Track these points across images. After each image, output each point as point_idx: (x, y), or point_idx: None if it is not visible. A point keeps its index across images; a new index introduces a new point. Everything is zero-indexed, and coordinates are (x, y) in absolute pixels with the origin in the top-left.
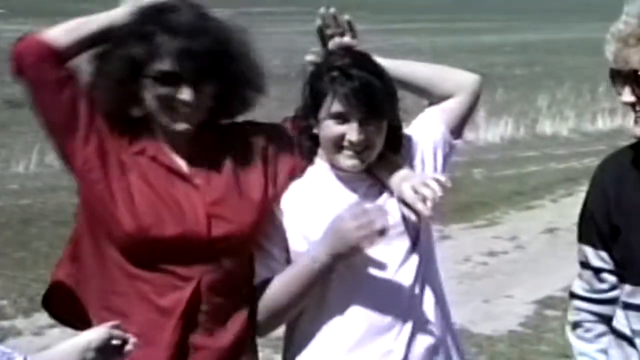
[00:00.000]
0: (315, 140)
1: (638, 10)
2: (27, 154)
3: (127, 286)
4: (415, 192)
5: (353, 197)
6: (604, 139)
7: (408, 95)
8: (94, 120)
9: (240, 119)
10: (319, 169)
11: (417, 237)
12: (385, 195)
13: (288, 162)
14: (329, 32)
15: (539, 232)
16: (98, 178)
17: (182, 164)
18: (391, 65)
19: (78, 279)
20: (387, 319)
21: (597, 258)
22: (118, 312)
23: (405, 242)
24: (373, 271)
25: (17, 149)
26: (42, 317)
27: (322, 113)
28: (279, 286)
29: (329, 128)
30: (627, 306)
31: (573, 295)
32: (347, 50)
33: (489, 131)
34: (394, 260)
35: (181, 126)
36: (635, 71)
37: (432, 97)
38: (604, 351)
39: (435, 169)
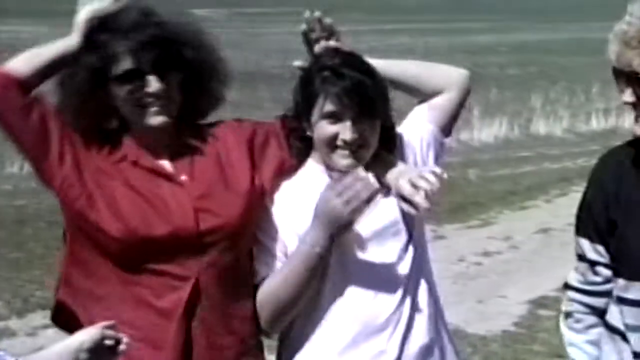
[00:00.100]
0: (307, 143)
1: None
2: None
3: (125, 293)
4: (413, 185)
5: None
6: (597, 139)
7: (402, 97)
8: (66, 139)
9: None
10: (314, 171)
11: (411, 236)
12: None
13: (276, 156)
14: (314, 35)
15: (532, 232)
16: (78, 193)
17: (165, 163)
18: (379, 64)
19: (76, 297)
20: (381, 320)
21: (593, 251)
22: (120, 320)
23: (399, 243)
24: (367, 272)
25: (11, 150)
26: (36, 318)
27: (315, 114)
28: (281, 280)
29: (323, 128)
30: (621, 300)
31: (567, 286)
32: (336, 50)
33: (483, 131)
34: (388, 260)
35: (157, 119)
36: (637, 73)
37: (421, 94)
38: (593, 342)
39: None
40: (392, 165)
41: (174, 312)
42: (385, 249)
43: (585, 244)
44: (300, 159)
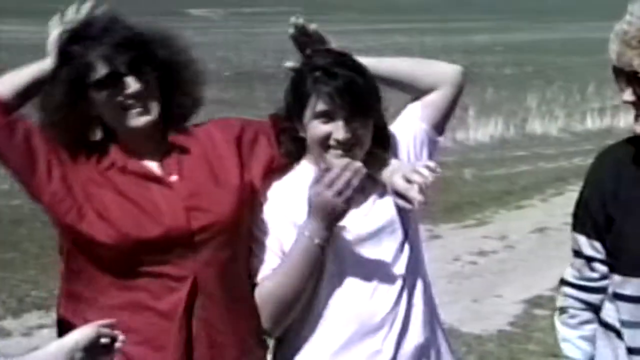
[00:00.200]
0: (300, 144)
1: None
2: None
3: (124, 299)
4: (407, 180)
5: None
6: (593, 139)
7: (401, 97)
8: (52, 154)
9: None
10: (308, 172)
11: (407, 235)
12: (375, 195)
13: (265, 153)
14: (302, 39)
15: (528, 232)
16: (68, 207)
17: (153, 166)
18: (372, 63)
19: (76, 311)
20: (377, 319)
21: (590, 247)
22: (122, 326)
23: (395, 242)
24: (363, 271)
25: None
26: (32, 318)
27: (307, 114)
28: (282, 276)
29: (315, 128)
30: (617, 296)
31: (563, 282)
32: (327, 50)
33: (478, 131)
34: (384, 260)
35: (141, 120)
36: (637, 72)
37: (415, 91)
38: (587, 338)
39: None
40: (386, 163)
41: (174, 312)
42: (381, 249)
43: (582, 240)
44: (291, 159)
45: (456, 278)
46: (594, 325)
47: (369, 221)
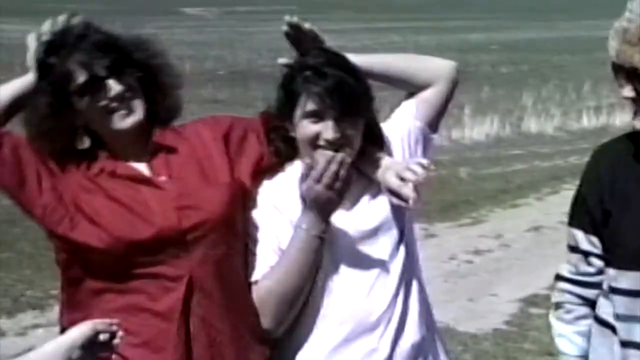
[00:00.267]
0: (291, 143)
1: None
2: None
3: (121, 302)
4: (400, 178)
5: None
6: (589, 137)
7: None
8: (41, 166)
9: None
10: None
11: (402, 234)
12: (369, 194)
13: (255, 151)
14: (296, 38)
15: (524, 231)
16: (60, 217)
17: (142, 168)
18: (366, 60)
19: (76, 319)
20: (373, 318)
21: (587, 242)
22: (121, 330)
23: (390, 241)
24: (359, 270)
25: None
26: (26, 318)
27: (297, 114)
28: (281, 272)
29: (305, 128)
30: (612, 290)
31: (559, 277)
32: (320, 50)
33: (474, 129)
34: (380, 257)
35: (128, 121)
36: (637, 69)
37: (409, 88)
38: (582, 334)
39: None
40: (380, 161)
41: (172, 313)
42: (377, 248)
43: (579, 234)
44: (281, 158)
45: (452, 277)
46: (589, 321)
47: (365, 220)
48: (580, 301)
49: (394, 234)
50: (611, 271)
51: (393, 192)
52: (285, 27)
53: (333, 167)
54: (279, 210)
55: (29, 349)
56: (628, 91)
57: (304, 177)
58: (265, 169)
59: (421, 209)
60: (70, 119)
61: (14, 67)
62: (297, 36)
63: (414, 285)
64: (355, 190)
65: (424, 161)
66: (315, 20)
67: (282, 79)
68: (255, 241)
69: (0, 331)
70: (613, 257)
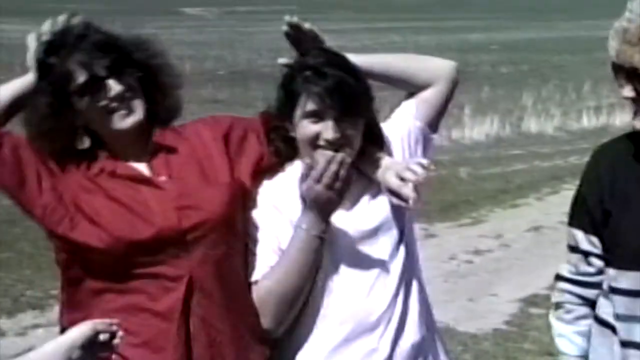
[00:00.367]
0: (291, 143)
1: None
2: None
3: (121, 302)
4: (400, 178)
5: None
6: (589, 137)
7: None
8: (41, 166)
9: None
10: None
11: (402, 234)
12: (370, 194)
13: (255, 151)
14: (296, 37)
15: (524, 231)
16: (60, 217)
17: (142, 168)
18: (366, 60)
19: (75, 320)
20: (373, 318)
21: (587, 242)
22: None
23: (390, 240)
24: (359, 270)
25: None
26: (26, 318)
27: (297, 114)
28: (281, 272)
29: (305, 128)
30: (612, 290)
31: (559, 277)
32: (321, 50)
33: (474, 129)
34: (380, 257)
35: (128, 121)
36: (637, 69)
37: (409, 88)
38: (582, 334)
39: None
40: (380, 162)
41: (172, 313)
42: (377, 248)
43: (579, 234)
44: (281, 158)
45: (452, 277)
46: (590, 321)
47: (365, 220)
48: (580, 301)
49: (394, 234)
50: (611, 271)
51: (393, 192)
52: (285, 27)
53: (333, 167)
54: (279, 210)
55: (29, 349)
56: (628, 91)
57: (304, 177)
58: (265, 169)
59: (421, 209)
60: (70, 119)
61: (14, 67)
62: (297, 36)
63: (414, 285)
64: (355, 191)
65: (424, 161)
66: (315, 20)
67: (282, 79)
68: (255, 241)
69: (0, 331)
70: (613, 257)
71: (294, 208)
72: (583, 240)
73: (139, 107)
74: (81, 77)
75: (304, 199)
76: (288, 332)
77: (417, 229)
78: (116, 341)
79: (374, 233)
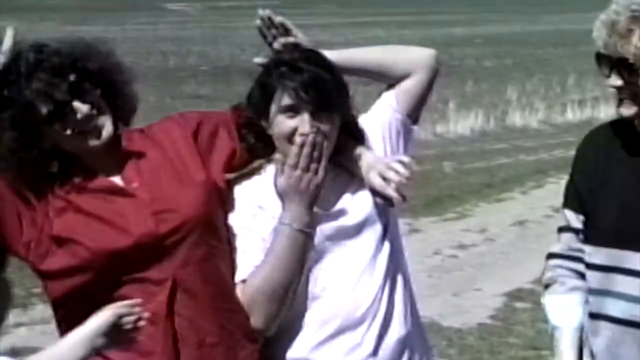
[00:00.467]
0: (266, 141)
1: (628, 0)
2: None
3: None
4: (383, 178)
5: None
6: (573, 131)
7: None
8: (18, 201)
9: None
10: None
11: (386, 228)
12: (353, 189)
13: (226, 146)
14: (271, 32)
15: (508, 225)
16: (46, 248)
17: (114, 179)
18: (343, 55)
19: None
20: (359, 313)
21: (577, 220)
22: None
23: (374, 235)
24: (344, 265)
25: None
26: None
27: (273, 109)
28: (268, 270)
29: (281, 123)
30: (587, 266)
31: (550, 256)
32: (295, 46)
33: (458, 123)
34: (365, 253)
35: (103, 138)
36: (626, 59)
37: (390, 80)
38: (579, 304)
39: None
40: (361, 156)
41: (158, 316)
42: (361, 243)
43: (570, 215)
44: (254, 155)
45: (436, 272)
46: (584, 294)
47: (348, 216)
48: (572, 274)
49: (377, 229)
50: (588, 247)
51: (376, 192)
52: (257, 22)
53: (307, 149)
54: (263, 208)
55: (11, 348)
56: (614, 80)
57: (280, 172)
58: (238, 165)
59: (405, 204)
60: (40, 147)
61: None
62: (268, 31)
63: (399, 280)
64: (338, 187)
65: (406, 159)
66: (299, 15)
67: (258, 76)
68: (240, 241)
69: None
70: (590, 234)
71: (278, 206)
72: (574, 219)
73: (108, 121)
74: (44, 107)
75: (281, 196)
76: (277, 327)
77: (401, 224)
78: (141, 323)
79: (358, 228)
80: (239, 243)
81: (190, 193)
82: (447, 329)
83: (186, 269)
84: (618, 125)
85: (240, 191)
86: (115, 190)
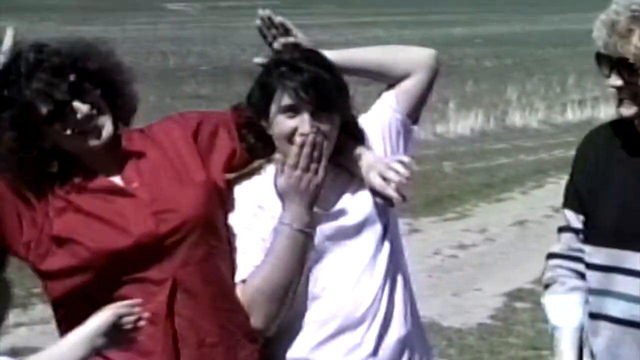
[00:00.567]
0: (266, 141)
1: (628, 0)
2: None
3: None
4: (383, 178)
5: None
6: (573, 131)
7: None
8: (18, 201)
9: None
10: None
11: (386, 228)
12: (353, 189)
13: (226, 146)
14: (271, 32)
15: (508, 225)
16: (46, 248)
17: (115, 179)
18: (343, 55)
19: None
20: (359, 313)
21: (577, 220)
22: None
23: (374, 235)
24: (344, 265)
25: None
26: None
27: (273, 109)
28: (268, 270)
29: (281, 123)
30: (587, 266)
31: (550, 256)
32: (295, 46)
33: (458, 123)
34: (365, 253)
35: (103, 138)
36: (626, 59)
37: (390, 80)
38: (580, 304)
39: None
40: (361, 156)
41: (158, 316)
42: (361, 243)
43: (570, 214)
44: (254, 156)
45: (436, 272)
46: (584, 295)
47: (348, 216)
48: (572, 274)
49: (377, 229)
50: (588, 247)
51: (377, 192)
52: (257, 21)
53: (307, 148)
54: (263, 208)
55: (11, 348)
56: (614, 80)
57: (279, 172)
58: (238, 165)
59: (405, 204)
60: (40, 147)
61: None
62: (268, 31)
63: (400, 280)
64: (338, 187)
65: (406, 159)
66: (299, 15)
67: (258, 75)
68: (240, 241)
69: None
70: (590, 234)
71: (278, 206)
72: (574, 219)
73: (108, 121)
74: (44, 107)
75: (281, 196)
76: (277, 327)
77: (401, 224)
78: (141, 323)
79: (358, 228)
80: (239, 243)
81: (190, 193)
82: (447, 329)
83: (186, 269)
84: (618, 125)
85: (240, 191)
86: (115, 190)
